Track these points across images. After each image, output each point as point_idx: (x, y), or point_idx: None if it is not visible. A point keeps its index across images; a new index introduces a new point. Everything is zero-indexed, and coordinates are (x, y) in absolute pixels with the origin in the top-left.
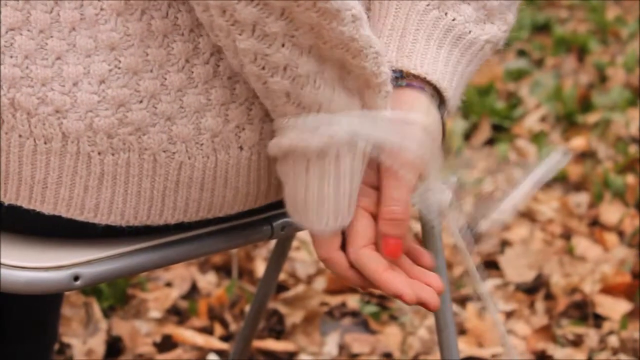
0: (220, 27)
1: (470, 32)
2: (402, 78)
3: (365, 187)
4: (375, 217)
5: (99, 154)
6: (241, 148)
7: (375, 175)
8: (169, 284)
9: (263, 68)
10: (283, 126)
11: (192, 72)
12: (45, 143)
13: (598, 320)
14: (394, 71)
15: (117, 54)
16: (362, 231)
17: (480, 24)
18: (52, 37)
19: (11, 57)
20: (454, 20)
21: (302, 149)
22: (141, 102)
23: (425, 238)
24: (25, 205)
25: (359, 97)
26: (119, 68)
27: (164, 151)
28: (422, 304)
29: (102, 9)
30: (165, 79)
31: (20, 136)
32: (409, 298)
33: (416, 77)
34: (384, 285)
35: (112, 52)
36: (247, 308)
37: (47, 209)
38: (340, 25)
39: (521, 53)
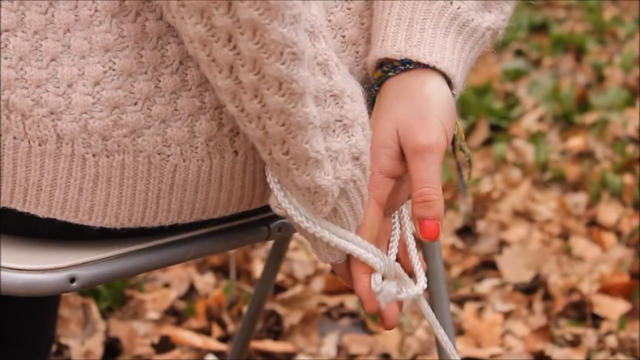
0: (203, 61)
1: (473, 19)
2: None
3: (382, 176)
4: (385, 209)
5: (94, 156)
6: (236, 152)
7: (394, 163)
8: (166, 285)
9: (242, 110)
10: (269, 185)
11: (186, 74)
12: (39, 145)
13: (596, 320)
14: (403, 60)
15: (112, 55)
16: (369, 225)
17: (480, 12)
18: (46, 38)
19: (6, 58)
20: (458, 8)
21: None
22: (136, 104)
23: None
24: (19, 208)
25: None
26: (114, 70)
27: (159, 154)
28: (381, 317)
29: (96, 10)
30: (160, 81)
31: (14, 138)
32: (367, 308)
33: (425, 65)
34: (355, 284)
35: (106, 53)
36: (245, 309)
37: (41, 212)
38: (303, 70)
39: (519, 53)
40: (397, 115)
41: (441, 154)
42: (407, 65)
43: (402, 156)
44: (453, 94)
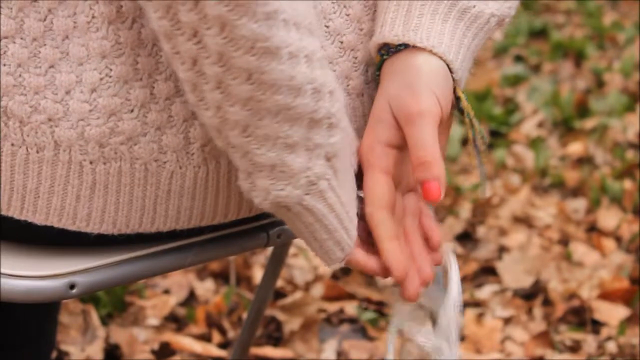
0: (167, 52)
1: (474, 6)
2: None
3: (385, 147)
4: (395, 178)
5: (91, 163)
6: None
7: (391, 132)
8: (166, 291)
9: (201, 100)
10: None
11: (179, 80)
12: (37, 152)
13: (596, 326)
14: (400, 45)
15: (108, 62)
16: (380, 194)
17: (483, 0)
18: (45, 45)
19: (4, 65)
20: None
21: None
22: (132, 111)
23: None
24: (17, 215)
25: (304, 147)
26: (110, 77)
27: (155, 160)
28: (402, 286)
29: (93, 17)
30: (154, 87)
31: (12, 145)
32: (398, 274)
33: (422, 49)
34: (382, 253)
35: (103, 60)
36: (245, 315)
37: (39, 219)
38: (277, 64)
39: (518, 58)
40: (388, 91)
41: (434, 119)
42: (400, 47)
43: (398, 126)
44: (454, 80)
